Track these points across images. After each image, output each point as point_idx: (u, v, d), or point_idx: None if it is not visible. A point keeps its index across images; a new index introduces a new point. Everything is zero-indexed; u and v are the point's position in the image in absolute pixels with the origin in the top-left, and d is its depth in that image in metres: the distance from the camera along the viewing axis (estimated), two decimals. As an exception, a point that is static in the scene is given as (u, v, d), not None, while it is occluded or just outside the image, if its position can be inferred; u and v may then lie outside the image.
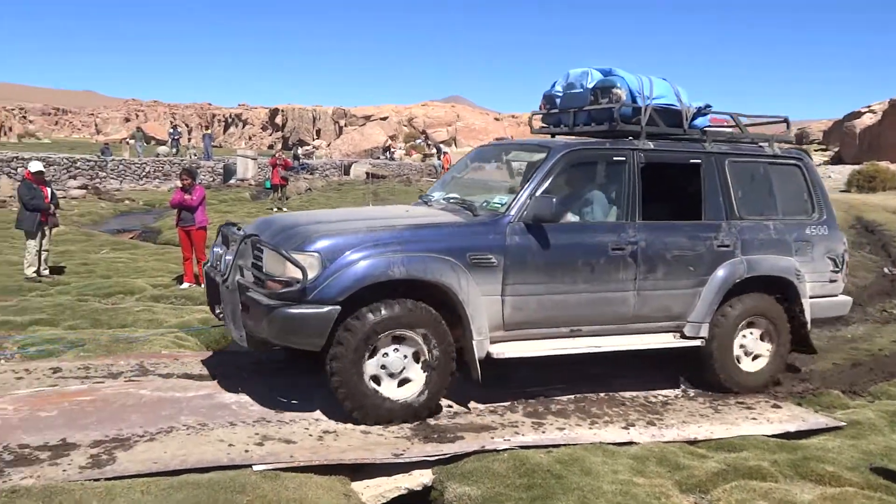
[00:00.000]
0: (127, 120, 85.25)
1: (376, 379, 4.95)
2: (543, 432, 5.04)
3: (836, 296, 6.46)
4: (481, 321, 5.10)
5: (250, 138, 73.06)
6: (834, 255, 6.33)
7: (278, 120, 69.50)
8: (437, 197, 6.26)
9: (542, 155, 5.60)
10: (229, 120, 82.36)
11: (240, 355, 6.38)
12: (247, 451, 4.38)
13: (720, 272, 5.82)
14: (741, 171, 6.12)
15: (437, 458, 4.56)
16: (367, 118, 61.75)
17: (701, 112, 6.10)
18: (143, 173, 27.88)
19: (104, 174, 26.50)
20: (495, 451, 4.63)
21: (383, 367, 4.95)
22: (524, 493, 4.15)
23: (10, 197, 19.55)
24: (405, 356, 4.98)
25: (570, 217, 5.65)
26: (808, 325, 6.17)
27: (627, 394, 5.93)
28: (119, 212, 21.44)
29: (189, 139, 51.62)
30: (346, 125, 63.12)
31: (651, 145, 5.81)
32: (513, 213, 5.28)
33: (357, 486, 4.35)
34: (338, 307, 4.74)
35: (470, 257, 5.07)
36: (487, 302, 5.14)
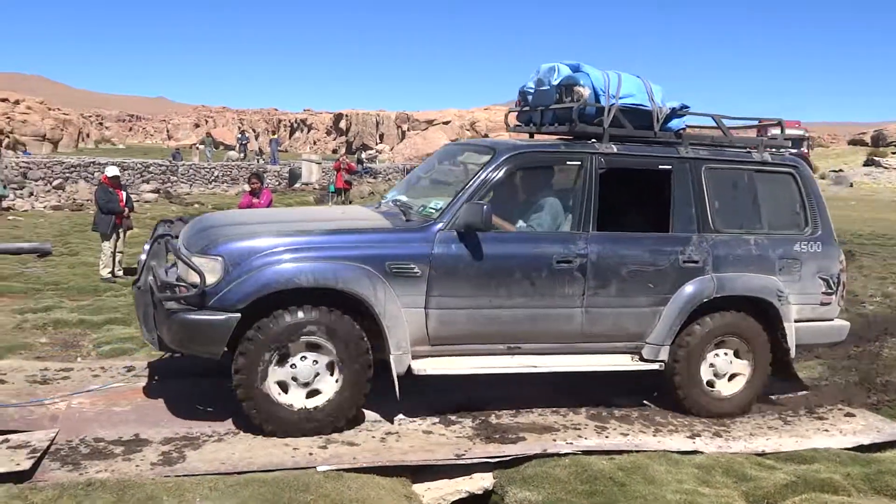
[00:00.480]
0: (197, 126, 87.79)
1: (283, 386, 4.68)
2: (606, 437, 4.96)
3: (829, 320, 5.72)
4: (401, 334, 4.74)
5: (315, 143, 74.35)
6: (827, 274, 5.59)
7: (342, 125, 70.53)
8: (387, 199, 5.90)
9: (487, 157, 5.19)
10: (295, 125, 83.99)
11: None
12: (311, 454, 4.44)
13: (685, 290, 5.20)
14: (721, 179, 5.48)
15: (498, 459, 4.55)
16: (430, 122, 62.02)
17: (676, 113, 5.52)
18: (212, 177, 28.56)
19: (175, 178, 27.31)
20: (557, 455, 4.59)
21: (293, 377, 4.67)
22: (586, 499, 4.12)
23: (88, 200, 20.31)
24: (317, 364, 4.68)
25: (519, 225, 5.30)
26: (792, 352, 5.51)
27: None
28: (189, 215, 21.96)
29: (256, 144, 52.73)
30: (408, 129, 63.57)
31: (614, 148, 5.32)
32: (445, 219, 4.90)
33: (418, 488, 4.39)
34: (237, 315, 4.48)
35: (389, 266, 4.72)
36: (409, 314, 4.77)
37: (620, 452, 4.69)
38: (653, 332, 5.24)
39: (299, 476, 4.09)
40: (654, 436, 5.04)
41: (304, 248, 4.66)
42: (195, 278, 4.53)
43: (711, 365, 5.41)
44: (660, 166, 5.43)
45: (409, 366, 4.83)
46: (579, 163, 5.23)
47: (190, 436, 4.62)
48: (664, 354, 5.23)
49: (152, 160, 28.74)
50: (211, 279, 4.50)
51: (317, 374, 4.70)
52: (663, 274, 5.22)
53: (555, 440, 4.82)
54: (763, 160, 5.61)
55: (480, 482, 4.47)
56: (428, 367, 4.89)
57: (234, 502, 3.78)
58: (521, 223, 5.33)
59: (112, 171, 11.24)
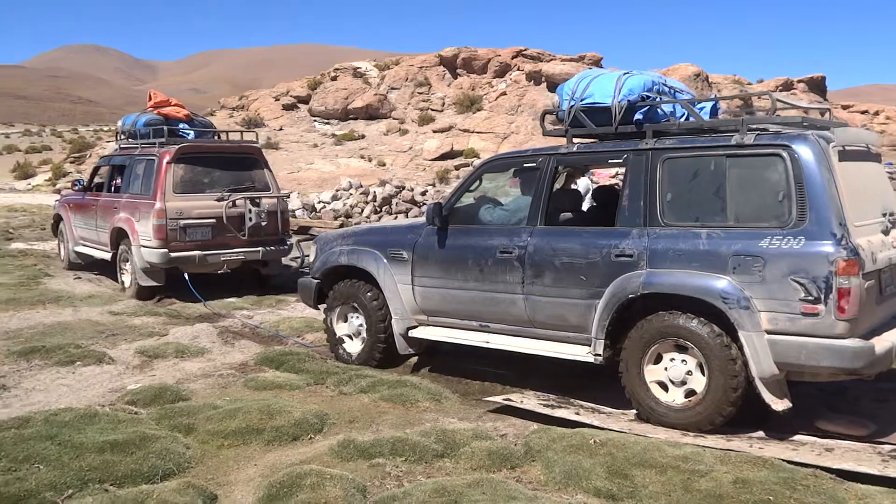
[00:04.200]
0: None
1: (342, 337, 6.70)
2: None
3: (828, 337, 4.41)
4: (397, 303, 6.19)
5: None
6: (805, 277, 4.41)
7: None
8: None
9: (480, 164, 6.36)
10: None
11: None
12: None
13: (614, 285, 5.02)
14: (681, 170, 5.03)
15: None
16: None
17: (637, 107, 5.33)
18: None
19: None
20: None
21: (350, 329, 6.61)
22: None
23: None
24: (354, 319, 6.56)
25: (485, 220, 6.00)
26: (755, 370, 4.56)
27: None
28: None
29: None
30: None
31: (574, 148, 5.63)
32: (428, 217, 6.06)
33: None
34: (317, 280, 6.80)
35: (389, 251, 6.24)
36: (402, 289, 6.15)
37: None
38: (591, 326, 5.15)
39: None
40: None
41: (350, 237, 6.71)
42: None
43: (665, 369, 4.95)
44: (610, 161, 5.64)
45: (408, 328, 6.19)
46: (534, 164, 5.74)
47: None
48: (600, 348, 5.11)
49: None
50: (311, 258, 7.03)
51: (356, 326, 6.60)
52: (595, 267, 5.14)
53: None
54: (739, 143, 4.82)
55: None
56: (421, 333, 6.16)
57: None
58: (486, 219, 6.04)
59: None
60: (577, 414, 5.07)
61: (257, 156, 10.46)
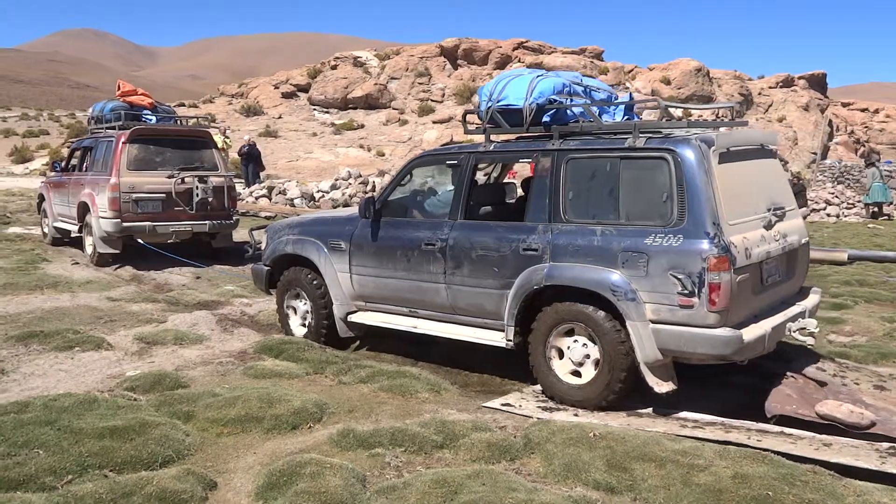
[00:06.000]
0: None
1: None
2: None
3: (704, 327, 4.77)
4: (337, 290, 6.58)
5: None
6: (682, 272, 4.75)
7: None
8: None
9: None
10: None
11: None
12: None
13: (521, 276, 5.40)
14: (582, 170, 5.37)
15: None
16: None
17: (544, 109, 5.66)
18: None
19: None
20: None
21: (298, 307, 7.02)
22: None
23: None
24: (301, 304, 6.95)
25: (417, 213, 6.52)
26: (640, 355, 4.93)
27: None
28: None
29: None
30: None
31: (491, 147, 6.02)
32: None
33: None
34: (268, 267, 7.19)
35: (329, 242, 6.62)
36: (342, 277, 6.52)
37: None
38: (505, 314, 5.53)
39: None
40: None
41: (295, 226, 7.04)
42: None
43: (564, 353, 5.33)
44: (520, 160, 6.12)
45: (347, 313, 6.59)
46: (456, 162, 6.14)
47: None
48: (511, 334, 5.52)
49: None
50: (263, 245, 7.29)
51: (297, 307, 7.04)
52: (506, 260, 5.52)
53: None
54: (631, 146, 5.13)
55: None
56: (359, 318, 6.55)
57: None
58: (415, 213, 6.54)
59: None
60: (576, 416, 5.08)
61: (207, 139, 11.74)
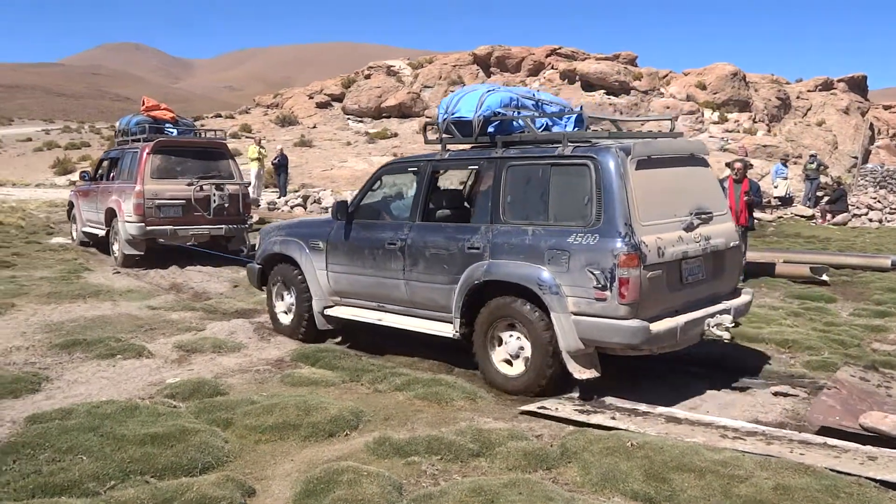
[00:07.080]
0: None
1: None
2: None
3: (616, 318, 5.19)
4: (315, 286, 7.14)
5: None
6: (597, 269, 5.20)
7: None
8: None
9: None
10: None
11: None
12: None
13: (465, 273, 5.94)
14: (519, 175, 5.90)
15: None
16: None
17: (489, 120, 6.23)
18: None
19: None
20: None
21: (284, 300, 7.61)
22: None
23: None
24: (287, 297, 7.51)
25: (385, 216, 7.00)
26: (563, 343, 5.36)
27: None
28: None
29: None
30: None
31: (446, 155, 6.60)
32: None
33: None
34: (260, 265, 7.82)
35: (310, 242, 7.21)
36: (320, 274, 7.10)
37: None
38: (453, 307, 6.04)
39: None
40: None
41: (284, 229, 7.72)
42: None
43: (505, 343, 5.79)
44: (469, 167, 6.84)
45: (324, 307, 7.12)
46: (416, 169, 6.73)
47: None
48: (458, 326, 6.02)
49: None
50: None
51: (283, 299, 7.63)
52: (454, 258, 6.06)
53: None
54: (560, 154, 5.67)
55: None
56: (335, 312, 7.07)
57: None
58: (384, 214, 7.04)
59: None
60: (614, 419, 5.05)
61: (223, 150, 12.73)
